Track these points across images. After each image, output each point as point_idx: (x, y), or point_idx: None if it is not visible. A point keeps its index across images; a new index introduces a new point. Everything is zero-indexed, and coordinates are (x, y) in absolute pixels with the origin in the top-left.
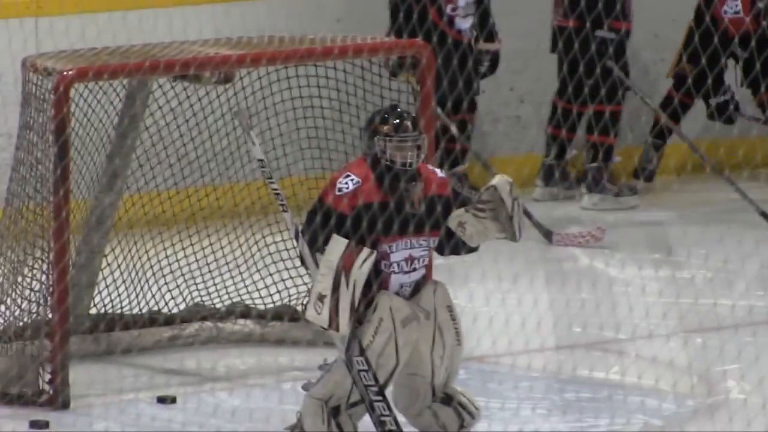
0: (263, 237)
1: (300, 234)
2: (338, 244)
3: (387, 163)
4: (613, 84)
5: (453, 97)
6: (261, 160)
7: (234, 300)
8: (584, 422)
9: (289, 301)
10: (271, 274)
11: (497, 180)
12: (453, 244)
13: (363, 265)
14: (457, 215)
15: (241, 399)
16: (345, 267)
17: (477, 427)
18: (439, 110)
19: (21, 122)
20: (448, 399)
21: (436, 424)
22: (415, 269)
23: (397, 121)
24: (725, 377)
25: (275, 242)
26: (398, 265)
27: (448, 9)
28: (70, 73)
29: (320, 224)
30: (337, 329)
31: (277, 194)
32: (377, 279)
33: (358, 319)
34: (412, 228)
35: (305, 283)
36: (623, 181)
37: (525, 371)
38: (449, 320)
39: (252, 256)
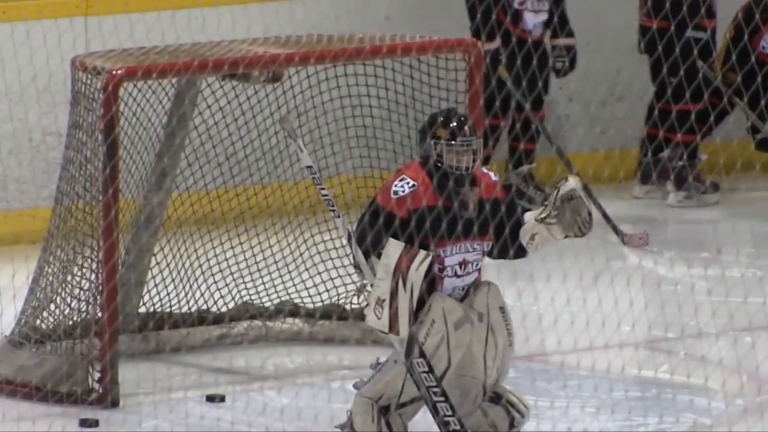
0: (312, 236)
1: (353, 238)
2: (395, 248)
3: (444, 167)
4: (700, 83)
5: (517, 96)
6: (310, 167)
7: (283, 299)
8: (633, 421)
9: (338, 299)
10: (319, 273)
11: (573, 182)
12: (501, 247)
13: (420, 268)
14: (531, 228)
15: (290, 398)
16: (402, 270)
17: (527, 425)
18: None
19: (70, 121)
20: (497, 398)
21: (486, 423)
22: (468, 273)
23: (456, 125)
24: None
25: (324, 241)
26: (452, 269)
27: (516, 3)
28: (119, 72)
29: (375, 227)
30: (398, 333)
31: (328, 200)
32: (430, 283)
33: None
34: (466, 232)
35: (354, 282)
36: (707, 179)
37: (574, 370)
38: (501, 321)
39: (300, 254)
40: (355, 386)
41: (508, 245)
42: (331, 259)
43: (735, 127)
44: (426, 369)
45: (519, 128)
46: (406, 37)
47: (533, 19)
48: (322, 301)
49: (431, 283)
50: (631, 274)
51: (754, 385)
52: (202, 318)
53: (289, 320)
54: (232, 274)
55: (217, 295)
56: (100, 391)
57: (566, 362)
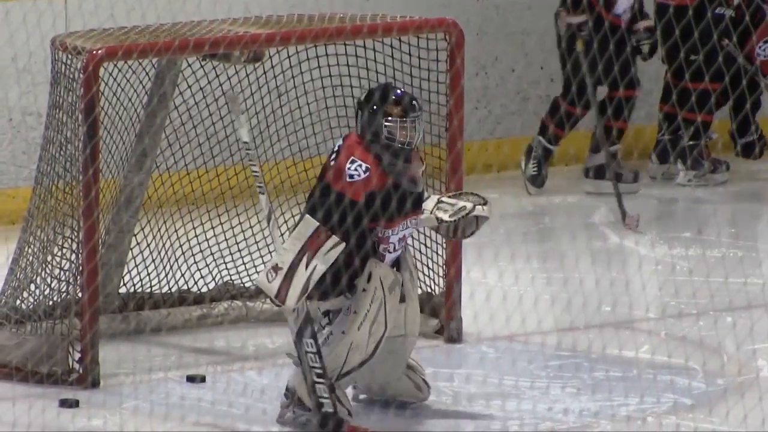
0: (292, 216)
1: (272, 218)
2: (309, 226)
3: (389, 142)
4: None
5: (609, 80)
6: (246, 143)
7: None
8: (614, 401)
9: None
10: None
11: (486, 212)
12: None
13: (329, 253)
14: (427, 218)
15: (270, 378)
16: (311, 250)
17: (507, 405)
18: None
19: (50, 101)
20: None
21: (413, 386)
22: (403, 247)
23: (404, 101)
24: (755, 356)
25: None
26: (393, 246)
27: None
28: (99, 52)
29: (325, 207)
30: (282, 302)
31: (257, 176)
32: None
33: (347, 289)
34: (414, 207)
35: None
36: (715, 157)
37: (555, 350)
38: (415, 279)
39: (281, 235)
40: (291, 358)
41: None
42: None
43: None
44: (314, 350)
45: (611, 108)
46: (387, 17)
47: (620, 6)
48: None
49: (365, 257)
50: (611, 255)
51: (734, 365)
52: (182, 298)
53: (270, 300)
54: (212, 254)
55: (197, 276)
56: (81, 371)
57: (547, 342)
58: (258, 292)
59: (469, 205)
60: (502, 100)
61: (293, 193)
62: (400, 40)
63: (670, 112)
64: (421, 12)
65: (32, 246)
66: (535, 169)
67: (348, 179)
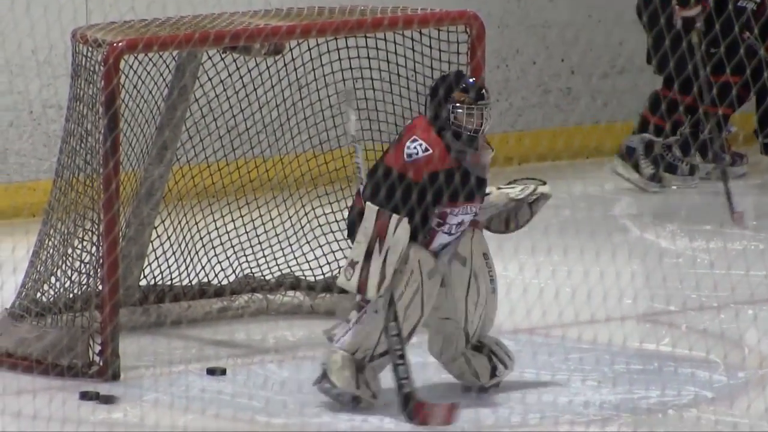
0: (313, 209)
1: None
2: (372, 212)
3: (457, 129)
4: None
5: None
6: (353, 136)
7: (284, 272)
8: (634, 394)
9: (339, 272)
10: (320, 246)
11: (547, 190)
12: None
13: (396, 232)
14: (497, 197)
15: (291, 371)
16: (380, 234)
17: (527, 398)
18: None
19: (71, 94)
20: (481, 347)
21: (469, 371)
22: (459, 232)
23: (473, 88)
24: None
25: (325, 214)
26: (450, 227)
27: None
28: (120, 44)
29: (386, 187)
30: (365, 295)
31: (359, 168)
32: (425, 236)
33: None
34: (475, 194)
35: None
36: (735, 150)
37: (575, 343)
38: (484, 267)
39: (302, 227)
40: (327, 335)
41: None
42: (332, 232)
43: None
44: (396, 332)
45: (715, 94)
46: (408, 9)
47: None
48: (323, 274)
49: (425, 236)
50: (632, 247)
51: (755, 358)
52: (203, 291)
53: (290, 293)
54: (233, 247)
55: (218, 268)
56: (101, 364)
57: (568, 335)
58: (278, 285)
59: (531, 186)
60: (522, 92)
61: (313, 185)
62: (420, 32)
63: (691, 104)
64: (442, 4)
65: (53, 238)
66: (652, 166)
67: (406, 158)
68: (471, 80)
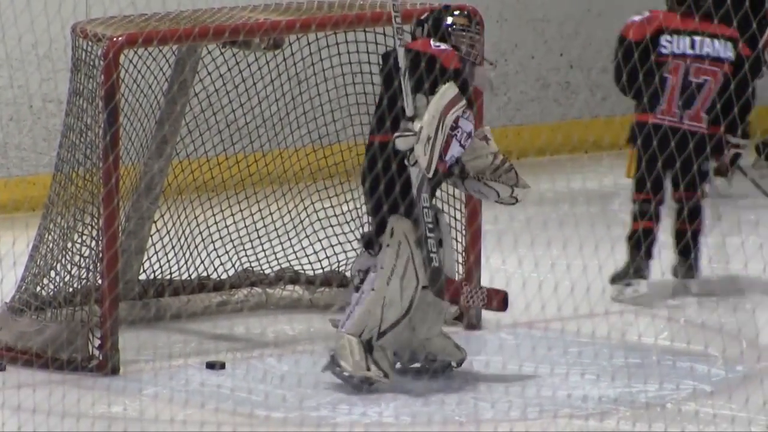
0: (312, 203)
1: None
2: (450, 91)
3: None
4: None
5: None
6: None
7: (283, 266)
8: (633, 387)
9: (338, 266)
10: (319, 240)
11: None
12: None
13: (454, 113)
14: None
15: (290, 365)
16: (444, 114)
17: (526, 392)
18: None
19: (71, 88)
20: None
21: (451, 344)
22: (467, 143)
23: (466, 14)
24: None
25: (324, 208)
26: (461, 134)
27: None
28: (119, 39)
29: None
30: (429, 171)
31: (400, 28)
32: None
33: (369, 246)
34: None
35: (354, 249)
36: None
37: (574, 337)
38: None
39: (301, 221)
40: (332, 323)
41: None
42: (332, 226)
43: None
44: (427, 204)
45: None
46: (407, 4)
47: None
48: (322, 268)
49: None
50: None
51: (754, 352)
52: (202, 285)
53: (290, 287)
54: (232, 241)
55: (217, 262)
56: (100, 358)
57: (566, 329)
58: (277, 279)
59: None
60: (521, 86)
61: (313, 180)
62: None
63: None
64: None
65: (52, 233)
66: None
67: (434, 47)
68: (462, 10)
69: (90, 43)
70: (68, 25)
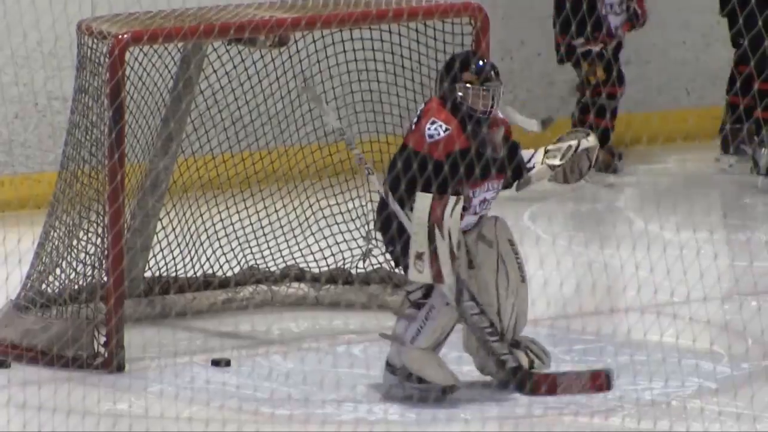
0: (317, 200)
1: (386, 185)
2: (424, 200)
3: (468, 110)
4: None
5: None
6: (339, 129)
7: (288, 263)
8: (638, 385)
9: (343, 264)
10: (325, 238)
11: (593, 141)
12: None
13: (454, 213)
14: (540, 172)
15: (295, 362)
16: (437, 218)
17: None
18: None
19: (76, 86)
20: (517, 344)
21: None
22: (484, 209)
23: (483, 69)
24: None
25: (329, 205)
26: (474, 207)
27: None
28: (125, 36)
29: (410, 172)
30: (442, 281)
31: (360, 158)
32: None
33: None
34: (495, 172)
35: (359, 247)
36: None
37: (579, 334)
38: (511, 253)
39: (306, 219)
40: (385, 337)
41: (513, 182)
42: (337, 223)
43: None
44: (477, 311)
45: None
46: (413, 1)
47: (615, 21)
48: (327, 265)
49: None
50: (636, 239)
51: (759, 349)
52: (207, 282)
53: (295, 285)
54: (237, 238)
55: (222, 260)
56: (106, 355)
57: (571, 327)
58: (283, 276)
59: (573, 143)
60: (527, 84)
61: (318, 177)
62: (425, 24)
63: (734, 101)
64: None
65: (58, 230)
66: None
67: (428, 139)
68: (480, 61)
69: (95, 40)
70: (73, 22)
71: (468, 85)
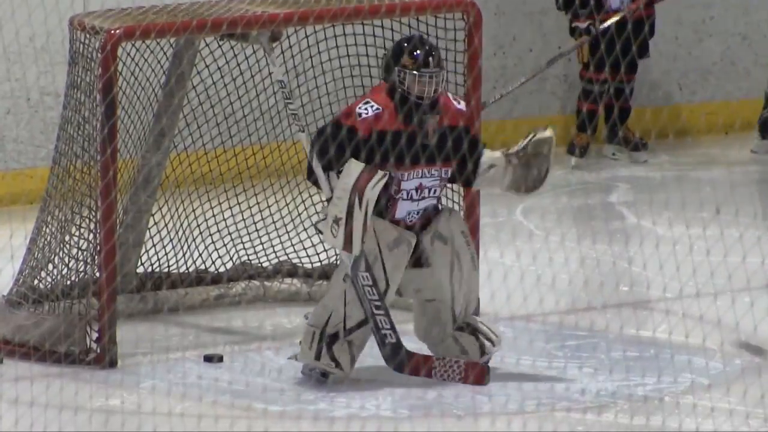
0: (310, 196)
1: (313, 152)
2: (355, 167)
3: (404, 93)
4: None
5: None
6: (280, 81)
7: (281, 259)
8: (631, 381)
9: (336, 260)
10: (317, 233)
11: (550, 133)
12: (465, 177)
13: (375, 186)
14: (492, 159)
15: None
16: (360, 188)
17: (524, 385)
18: None
19: (68, 81)
20: (467, 326)
21: (457, 349)
22: (424, 198)
23: (420, 54)
24: None
25: (322, 201)
26: (408, 193)
27: None
28: (117, 32)
29: (336, 143)
30: (351, 251)
31: (294, 114)
32: (386, 204)
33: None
34: (424, 158)
35: None
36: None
37: (572, 330)
38: (464, 245)
39: (299, 215)
40: (305, 317)
41: (464, 172)
42: None
43: (736, 88)
44: (370, 283)
45: None
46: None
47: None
48: (320, 261)
49: (386, 204)
50: (629, 234)
51: (750, 346)
52: (200, 278)
53: (287, 280)
54: (230, 234)
55: (215, 256)
56: (98, 351)
57: (564, 322)
58: (275, 272)
59: (530, 135)
60: (520, 79)
61: None
62: (418, 19)
63: None
64: None
65: (50, 226)
66: None
67: (357, 117)
68: (419, 48)
69: (87, 35)
70: (66, 17)
71: (405, 69)
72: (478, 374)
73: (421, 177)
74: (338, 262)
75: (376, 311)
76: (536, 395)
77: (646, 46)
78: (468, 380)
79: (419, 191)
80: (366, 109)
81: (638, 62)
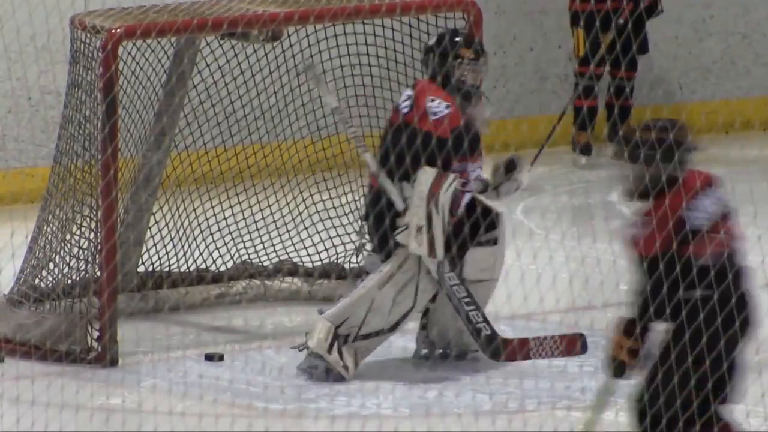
0: (311, 195)
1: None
2: (427, 175)
3: (465, 86)
4: None
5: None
6: (337, 108)
7: (281, 258)
8: (631, 379)
9: (336, 258)
10: (318, 232)
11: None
12: None
13: (448, 190)
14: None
15: (289, 357)
16: (435, 194)
17: (524, 384)
18: None
19: (69, 80)
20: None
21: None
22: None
23: (474, 44)
24: None
25: (323, 200)
26: (470, 185)
27: None
28: (118, 31)
29: (413, 149)
30: (436, 256)
31: (356, 137)
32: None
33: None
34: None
35: (352, 241)
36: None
37: (572, 328)
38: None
39: (299, 213)
40: (319, 311)
41: None
42: (330, 218)
43: (736, 87)
44: (457, 282)
45: None
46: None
47: None
48: (320, 260)
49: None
50: None
51: (752, 344)
52: (200, 277)
53: (288, 279)
54: (230, 233)
55: (215, 254)
56: (99, 349)
57: (564, 321)
58: (276, 271)
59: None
60: (520, 79)
61: (311, 171)
62: (418, 18)
63: None
64: None
65: (51, 225)
66: None
67: (433, 117)
68: (470, 36)
69: (88, 35)
70: (67, 16)
71: (465, 60)
72: (576, 344)
73: (479, 168)
74: (362, 265)
75: (467, 307)
76: (536, 394)
77: (645, 43)
78: (568, 352)
79: (476, 179)
80: (438, 107)
81: (638, 59)
